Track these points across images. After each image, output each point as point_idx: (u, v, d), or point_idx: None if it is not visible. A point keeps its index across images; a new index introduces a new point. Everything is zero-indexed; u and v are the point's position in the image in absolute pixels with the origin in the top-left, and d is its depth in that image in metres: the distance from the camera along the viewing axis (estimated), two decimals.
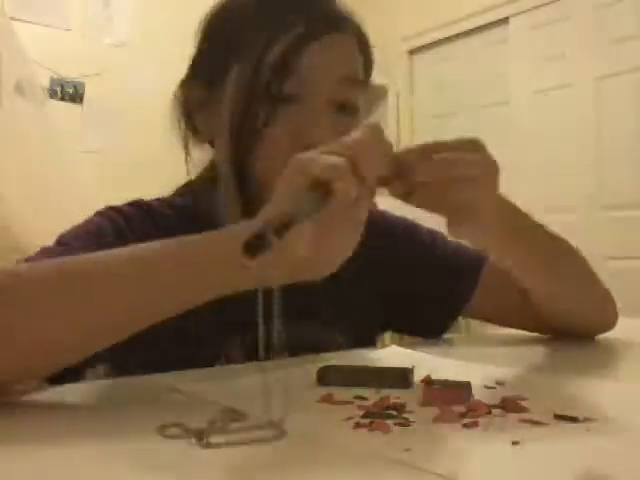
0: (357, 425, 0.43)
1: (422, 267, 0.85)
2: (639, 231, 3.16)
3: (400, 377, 0.56)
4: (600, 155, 3.31)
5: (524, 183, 3.63)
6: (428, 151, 0.56)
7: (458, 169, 0.56)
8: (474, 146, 0.59)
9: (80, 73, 3.28)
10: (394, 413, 0.46)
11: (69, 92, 3.28)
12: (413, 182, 0.56)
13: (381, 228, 0.85)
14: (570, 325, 0.82)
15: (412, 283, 0.85)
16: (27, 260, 0.62)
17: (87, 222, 0.71)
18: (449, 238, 0.87)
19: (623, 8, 3.23)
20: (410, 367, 0.58)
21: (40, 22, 3.18)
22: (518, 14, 3.67)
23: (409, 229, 0.89)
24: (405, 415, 0.46)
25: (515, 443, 0.40)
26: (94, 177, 2.96)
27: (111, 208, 0.73)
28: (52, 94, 3.21)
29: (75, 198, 2.80)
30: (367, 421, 0.44)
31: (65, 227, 0.77)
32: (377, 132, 0.52)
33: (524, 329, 0.88)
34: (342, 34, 0.70)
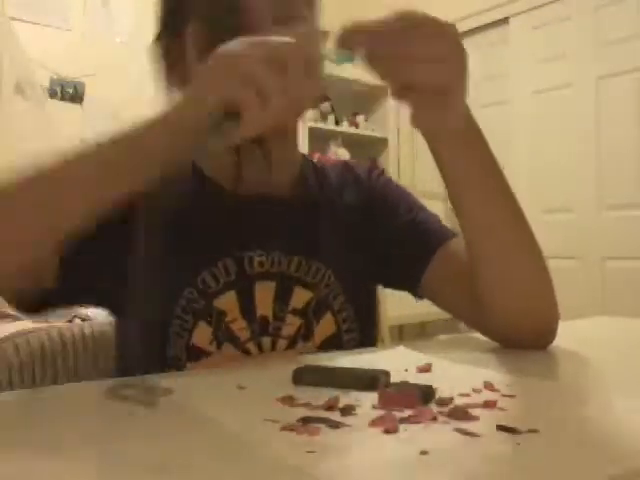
0: (283, 428, 0.44)
1: (394, 223, 0.87)
2: (639, 231, 3.16)
3: (370, 380, 0.56)
4: (600, 155, 3.31)
5: (524, 183, 3.63)
6: (397, 20, 0.56)
7: (421, 44, 0.55)
8: (446, 28, 0.58)
9: (80, 73, 3.28)
10: (330, 417, 0.46)
11: (69, 92, 3.29)
12: (376, 53, 0.56)
13: (354, 174, 0.91)
14: (520, 322, 0.76)
15: (386, 233, 0.87)
16: None
17: None
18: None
19: (623, 8, 3.23)
20: (386, 370, 0.58)
21: (40, 22, 3.19)
22: (518, 14, 3.67)
23: (386, 181, 0.92)
24: (348, 418, 0.47)
25: (423, 452, 0.39)
26: None
27: None
28: (52, 94, 3.22)
29: None
30: (299, 424, 0.45)
31: None
32: (310, 38, 0.56)
33: (474, 327, 0.83)
34: None
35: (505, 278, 0.74)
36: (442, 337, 0.97)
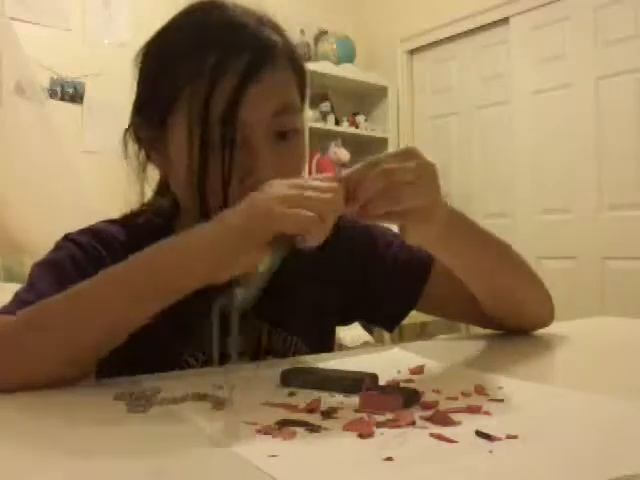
0: (259, 431, 0.44)
1: (377, 265, 0.89)
2: (639, 231, 3.16)
3: (354, 382, 0.56)
4: (600, 155, 3.31)
5: (524, 183, 3.63)
6: (370, 167, 0.61)
7: (394, 176, 0.60)
8: (408, 155, 0.63)
9: (80, 73, 3.28)
10: (310, 421, 0.47)
11: (69, 92, 3.28)
12: (363, 199, 0.61)
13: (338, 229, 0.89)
14: (512, 321, 0.88)
15: (367, 281, 0.89)
16: (1, 311, 0.69)
17: (49, 259, 0.77)
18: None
19: (623, 8, 3.23)
20: (374, 373, 0.59)
21: (40, 22, 3.18)
22: (518, 14, 3.67)
23: (364, 229, 0.92)
24: (328, 421, 0.47)
25: (388, 459, 0.39)
26: (94, 177, 2.96)
27: (67, 239, 0.79)
28: (52, 94, 3.22)
29: (75, 198, 2.80)
30: (276, 427, 0.45)
31: (64, 227, 0.79)
32: (339, 189, 0.59)
33: (471, 323, 0.94)
34: (273, 65, 0.73)
35: (495, 296, 0.83)
36: (442, 337, 0.98)
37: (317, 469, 0.39)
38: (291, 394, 0.56)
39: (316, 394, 0.55)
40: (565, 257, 3.43)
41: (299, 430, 0.45)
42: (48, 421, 0.50)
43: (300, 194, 0.57)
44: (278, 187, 0.59)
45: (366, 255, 0.90)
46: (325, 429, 0.45)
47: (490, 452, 0.41)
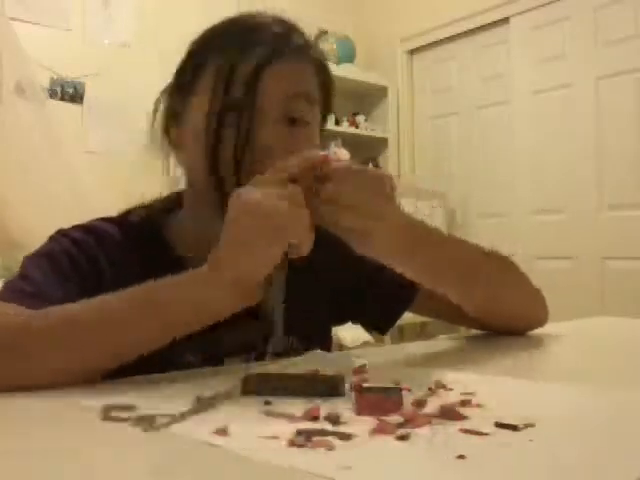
0: (291, 443, 0.41)
1: (366, 267, 0.87)
2: (639, 231, 3.16)
3: (331, 385, 0.54)
4: (600, 155, 3.31)
5: (524, 183, 3.63)
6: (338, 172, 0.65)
7: (342, 199, 0.64)
8: (364, 179, 0.66)
9: (80, 73, 3.27)
10: (328, 429, 0.44)
11: (69, 92, 3.28)
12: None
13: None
14: (503, 326, 0.90)
15: (359, 282, 0.91)
16: None
17: (43, 251, 0.78)
18: None
19: (623, 8, 3.23)
20: (340, 374, 0.56)
21: (40, 22, 3.18)
22: (518, 14, 3.67)
23: None
24: (340, 427, 0.45)
25: (460, 457, 0.38)
26: (94, 177, 2.96)
27: (61, 234, 0.79)
28: (52, 94, 3.21)
29: (75, 197, 2.80)
30: (302, 438, 0.41)
31: (64, 227, 0.78)
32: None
33: (466, 326, 0.95)
34: (297, 60, 0.78)
35: (477, 306, 0.84)
36: (442, 337, 0.98)
37: (404, 476, 0.37)
38: (267, 402, 0.51)
39: (290, 401, 0.51)
40: (565, 257, 3.43)
41: (331, 439, 0.42)
42: (33, 431, 0.50)
43: (281, 210, 0.60)
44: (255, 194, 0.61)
45: (355, 256, 0.89)
46: (354, 435, 0.43)
47: (530, 441, 0.41)
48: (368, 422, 0.46)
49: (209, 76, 0.76)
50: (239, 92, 0.74)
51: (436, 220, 3.83)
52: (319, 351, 0.79)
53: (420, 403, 0.50)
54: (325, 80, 0.83)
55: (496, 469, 0.37)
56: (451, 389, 0.56)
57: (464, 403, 0.50)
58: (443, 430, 0.44)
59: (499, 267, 0.83)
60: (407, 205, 3.91)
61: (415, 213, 4.13)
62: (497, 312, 0.86)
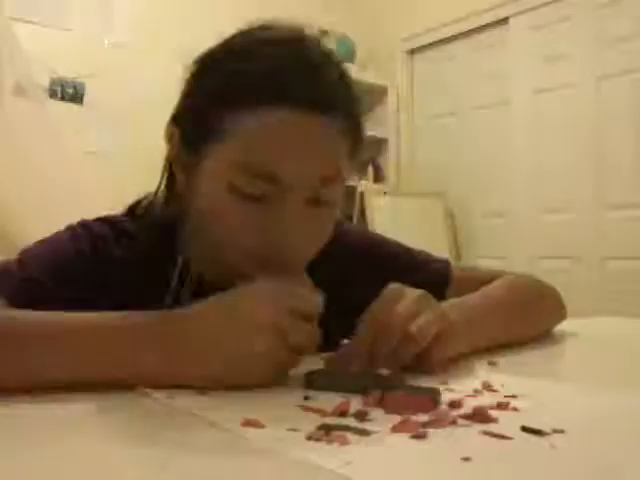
0: (310, 437, 0.42)
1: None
2: (639, 231, 3.16)
3: (386, 383, 0.54)
4: (600, 155, 3.31)
5: (524, 183, 3.63)
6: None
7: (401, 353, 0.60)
8: (423, 304, 0.62)
9: (80, 73, 3.28)
10: (350, 424, 0.44)
11: (69, 92, 3.28)
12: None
13: (348, 252, 0.87)
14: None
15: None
16: None
17: (52, 242, 0.75)
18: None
19: (623, 8, 3.23)
20: (396, 372, 0.57)
21: (40, 22, 3.18)
22: (518, 14, 3.67)
23: (373, 249, 0.91)
24: (365, 424, 0.45)
25: (465, 459, 0.37)
26: (94, 177, 2.96)
27: (72, 229, 0.76)
28: (52, 94, 3.21)
29: (75, 198, 2.80)
30: (321, 432, 0.42)
31: (70, 223, 0.78)
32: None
33: None
34: (327, 118, 0.66)
35: (521, 338, 0.82)
36: None
37: (404, 472, 0.37)
38: (306, 398, 0.53)
39: (332, 396, 0.52)
40: (565, 257, 3.43)
41: (349, 435, 0.42)
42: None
43: (284, 331, 0.55)
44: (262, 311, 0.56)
45: (376, 272, 0.84)
46: (373, 432, 0.43)
47: (551, 447, 0.40)
48: (393, 420, 0.45)
49: (227, 144, 0.65)
50: (262, 179, 0.63)
51: (436, 220, 3.84)
52: None
53: (455, 404, 0.50)
54: (356, 138, 0.71)
55: (497, 474, 0.37)
56: (496, 391, 0.55)
57: (501, 405, 0.50)
58: (463, 431, 0.44)
59: (523, 300, 0.84)
60: (407, 205, 3.91)
61: (415, 213, 4.14)
62: (531, 337, 0.85)
